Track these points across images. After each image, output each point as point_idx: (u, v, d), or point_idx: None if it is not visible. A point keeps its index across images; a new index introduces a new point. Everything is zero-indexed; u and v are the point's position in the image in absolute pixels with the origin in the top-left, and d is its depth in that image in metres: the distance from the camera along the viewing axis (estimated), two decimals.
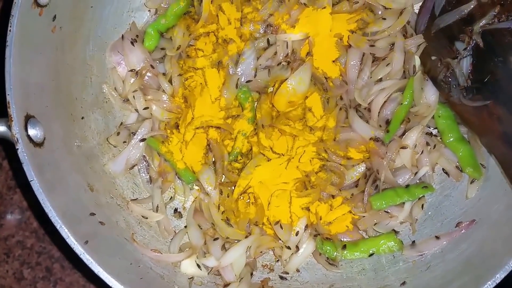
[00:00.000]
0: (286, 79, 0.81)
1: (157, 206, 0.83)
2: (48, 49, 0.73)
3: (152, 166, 0.86)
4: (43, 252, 0.93)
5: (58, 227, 0.64)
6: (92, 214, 0.74)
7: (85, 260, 0.65)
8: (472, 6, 0.77)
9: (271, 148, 0.82)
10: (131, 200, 0.83)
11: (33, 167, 0.64)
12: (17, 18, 0.65)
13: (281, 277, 0.83)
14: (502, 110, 0.73)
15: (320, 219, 0.81)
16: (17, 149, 0.64)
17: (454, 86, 0.78)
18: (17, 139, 0.64)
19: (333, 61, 0.84)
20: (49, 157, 0.69)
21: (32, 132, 0.67)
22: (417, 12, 0.86)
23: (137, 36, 0.85)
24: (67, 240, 0.65)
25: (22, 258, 0.93)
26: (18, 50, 0.65)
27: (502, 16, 0.73)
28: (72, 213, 0.69)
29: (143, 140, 0.84)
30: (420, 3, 0.86)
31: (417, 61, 0.83)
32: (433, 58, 0.82)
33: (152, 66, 0.84)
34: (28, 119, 0.66)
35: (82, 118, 0.81)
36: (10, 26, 0.64)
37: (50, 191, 0.65)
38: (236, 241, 0.81)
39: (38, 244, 0.93)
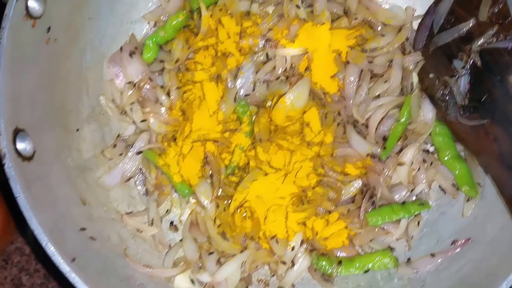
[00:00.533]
0: (285, 94, 0.81)
1: (153, 219, 0.82)
2: (42, 61, 0.71)
3: (149, 178, 0.85)
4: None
5: (43, 245, 0.63)
6: (83, 229, 0.72)
7: (70, 279, 0.63)
8: (470, 25, 0.77)
9: (268, 163, 0.81)
10: (126, 213, 0.83)
11: (20, 183, 0.63)
12: (7, 30, 0.63)
13: None
14: (499, 130, 0.73)
15: (316, 234, 0.81)
16: (4, 164, 0.63)
17: (451, 104, 0.79)
18: (4, 153, 0.62)
19: (332, 77, 0.84)
20: (38, 171, 0.68)
21: (21, 146, 0.65)
22: (416, 29, 0.87)
23: (135, 48, 0.85)
24: (52, 258, 0.63)
25: (20, 264, 0.92)
26: (8, 62, 0.64)
27: (500, 35, 0.74)
28: (60, 229, 0.67)
29: (139, 152, 0.83)
30: (419, 20, 0.86)
31: (414, 78, 0.84)
32: (431, 75, 0.82)
33: (150, 79, 0.84)
34: (17, 132, 0.65)
35: (77, 130, 0.80)
36: (0, 38, 0.63)
37: (38, 207, 0.64)
38: (231, 255, 0.80)
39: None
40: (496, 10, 0.74)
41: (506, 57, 0.73)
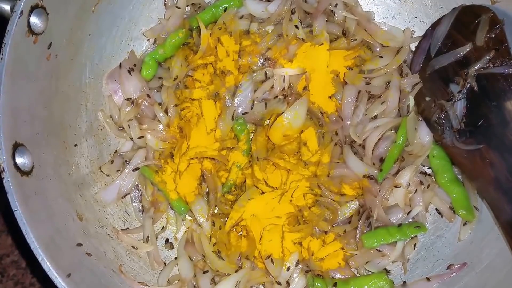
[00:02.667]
0: (282, 113, 0.81)
1: (148, 237, 0.82)
2: (42, 77, 0.72)
3: (145, 195, 0.85)
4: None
5: (40, 260, 0.63)
6: (79, 244, 0.72)
7: None
8: (467, 49, 0.78)
9: (265, 181, 0.81)
10: (121, 229, 0.82)
11: (18, 197, 0.63)
12: (9, 46, 0.64)
13: None
14: (495, 155, 0.73)
15: (312, 255, 0.81)
16: (3, 178, 0.63)
17: (448, 128, 0.79)
18: (3, 168, 0.63)
19: (330, 97, 0.85)
20: (36, 185, 0.68)
21: (20, 160, 0.66)
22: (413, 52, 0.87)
23: (134, 65, 0.85)
24: (48, 273, 0.63)
25: (16, 278, 0.92)
26: (9, 78, 0.64)
27: (497, 61, 0.74)
28: (57, 244, 0.67)
29: (136, 169, 0.83)
30: (417, 43, 0.87)
31: (411, 101, 0.84)
32: (427, 99, 0.82)
33: (148, 96, 0.84)
34: (16, 147, 0.65)
35: (75, 145, 0.80)
36: (2, 54, 0.64)
37: (35, 222, 0.64)
38: (226, 275, 0.80)
39: None
40: (493, 35, 0.75)
41: (503, 83, 0.73)
